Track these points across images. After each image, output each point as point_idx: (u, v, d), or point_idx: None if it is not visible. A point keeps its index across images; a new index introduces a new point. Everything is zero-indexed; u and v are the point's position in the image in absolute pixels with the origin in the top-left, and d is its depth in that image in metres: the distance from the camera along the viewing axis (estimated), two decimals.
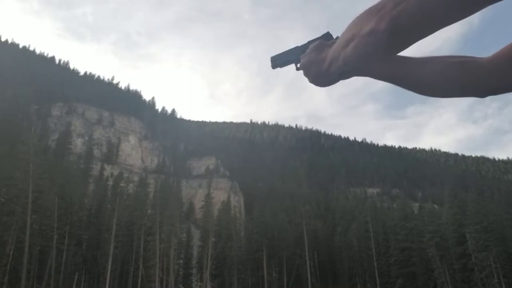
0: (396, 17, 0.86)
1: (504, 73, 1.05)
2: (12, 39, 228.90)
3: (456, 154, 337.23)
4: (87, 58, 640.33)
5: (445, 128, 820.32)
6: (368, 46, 0.94)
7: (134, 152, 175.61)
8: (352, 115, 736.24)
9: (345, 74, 1.17)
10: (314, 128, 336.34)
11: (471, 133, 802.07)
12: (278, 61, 1.37)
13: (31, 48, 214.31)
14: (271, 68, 1.40)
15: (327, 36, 1.26)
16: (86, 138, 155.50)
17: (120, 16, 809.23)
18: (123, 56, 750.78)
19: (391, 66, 1.16)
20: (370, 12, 0.93)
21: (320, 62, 1.16)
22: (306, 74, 1.23)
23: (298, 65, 1.28)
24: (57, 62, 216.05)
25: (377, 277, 79.39)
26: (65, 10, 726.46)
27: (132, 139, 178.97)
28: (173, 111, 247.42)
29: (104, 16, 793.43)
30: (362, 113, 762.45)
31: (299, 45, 1.33)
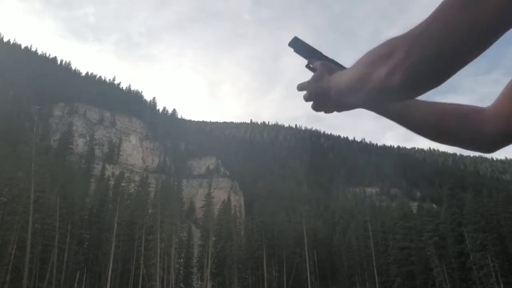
0: (410, 69, 0.79)
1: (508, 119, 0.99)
2: (14, 39, 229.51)
3: (455, 154, 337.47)
4: (89, 58, 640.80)
5: None
6: (379, 95, 0.89)
7: (135, 152, 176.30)
8: (352, 115, 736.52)
9: (351, 108, 1.15)
10: (314, 128, 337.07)
11: None
12: (299, 46, 1.34)
13: (33, 49, 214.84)
14: (287, 44, 1.36)
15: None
16: (88, 138, 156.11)
17: (121, 17, 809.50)
18: (124, 56, 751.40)
19: (398, 109, 1.13)
20: (380, 56, 0.86)
21: (325, 94, 1.14)
22: (310, 100, 1.21)
23: (311, 65, 1.28)
24: (59, 62, 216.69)
25: (376, 276, 79.86)
26: (66, 10, 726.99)
27: (133, 139, 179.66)
28: (174, 111, 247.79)
29: (106, 17, 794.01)
30: (362, 113, 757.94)
31: (323, 53, 1.31)
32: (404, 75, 0.81)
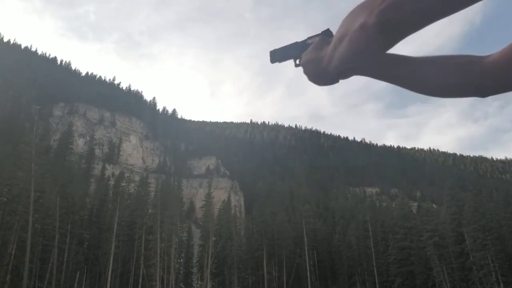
0: (385, 10, 0.84)
1: (508, 72, 1.02)
2: (14, 39, 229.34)
3: (455, 154, 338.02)
4: (89, 57, 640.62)
5: (445, 127, 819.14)
6: (359, 42, 0.91)
7: (135, 152, 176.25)
8: (353, 114, 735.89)
9: (344, 73, 1.14)
10: (314, 128, 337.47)
11: (472, 132, 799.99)
12: (278, 56, 1.33)
13: (33, 49, 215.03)
14: (270, 63, 1.36)
15: (327, 33, 1.22)
16: (88, 138, 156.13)
17: (122, 16, 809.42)
18: (125, 55, 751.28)
19: (390, 65, 1.13)
20: (362, 7, 0.91)
21: (319, 61, 1.14)
22: (306, 73, 1.20)
23: (297, 62, 1.26)
24: (58, 62, 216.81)
25: (376, 276, 79.87)
26: (67, 9, 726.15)
27: (133, 139, 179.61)
28: (174, 111, 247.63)
29: (106, 15, 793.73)
30: (364, 112, 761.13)
31: (298, 40, 1.30)
32: (379, 15, 0.85)
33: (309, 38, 1.25)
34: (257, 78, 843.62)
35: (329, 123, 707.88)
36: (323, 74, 1.15)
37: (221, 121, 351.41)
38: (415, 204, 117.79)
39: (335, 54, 1.04)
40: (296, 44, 1.29)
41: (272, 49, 1.34)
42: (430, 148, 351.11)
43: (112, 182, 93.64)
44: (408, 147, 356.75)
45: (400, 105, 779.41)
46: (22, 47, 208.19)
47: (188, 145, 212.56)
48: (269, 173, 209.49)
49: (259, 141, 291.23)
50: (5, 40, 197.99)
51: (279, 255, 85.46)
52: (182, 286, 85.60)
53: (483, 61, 1.07)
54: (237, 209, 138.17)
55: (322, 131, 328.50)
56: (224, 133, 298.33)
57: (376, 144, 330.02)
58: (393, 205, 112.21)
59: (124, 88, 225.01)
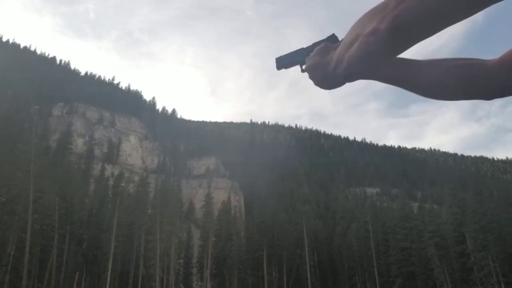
0: (397, 16, 0.85)
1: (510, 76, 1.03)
2: (13, 39, 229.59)
3: (456, 154, 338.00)
4: (88, 56, 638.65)
5: (448, 126, 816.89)
6: (370, 46, 0.93)
7: (135, 152, 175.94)
8: (355, 113, 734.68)
9: (350, 76, 1.17)
10: (314, 128, 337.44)
11: (474, 132, 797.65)
12: (283, 62, 1.36)
13: (32, 49, 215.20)
14: (276, 69, 1.39)
15: (333, 38, 1.25)
16: (87, 138, 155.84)
17: (122, 13, 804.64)
18: (124, 54, 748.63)
19: (396, 69, 1.15)
20: (374, 12, 0.93)
21: (325, 65, 1.16)
22: (311, 77, 1.23)
23: (303, 67, 1.28)
24: (57, 62, 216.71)
25: (376, 276, 79.64)
26: (66, 6, 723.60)
27: (133, 139, 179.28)
28: (174, 111, 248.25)
29: (106, 13, 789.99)
30: (365, 111, 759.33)
31: (304, 46, 1.33)
32: (392, 21, 0.85)
33: (314, 44, 1.28)
34: (258, 77, 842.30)
35: (330, 123, 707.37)
36: (329, 78, 1.17)
37: (221, 121, 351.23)
38: (416, 204, 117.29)
39: (344, 58, 1.05)
40: (301, 50, 1.32)
41: (278, 55, 1.38)
42: (431, 148, 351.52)
43: (111, 182, 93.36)
44: (409, 147, 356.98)
45: (401, 105, 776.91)
46: (21, 46, 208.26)
47: (187, 145, 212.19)
48: (269, 173, 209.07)
49: (259, 141, 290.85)
50: (4, 39, 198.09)
51: (279, 255, 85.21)
52: (182, 287, 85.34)
53: (487, 63, 1.09)
54: (237, 209, 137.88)
55: (322, 131, 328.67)
56: (224, 133, 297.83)
57: (377, 144, 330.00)
58: (394, 206, 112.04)
59: (123, 87, 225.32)
